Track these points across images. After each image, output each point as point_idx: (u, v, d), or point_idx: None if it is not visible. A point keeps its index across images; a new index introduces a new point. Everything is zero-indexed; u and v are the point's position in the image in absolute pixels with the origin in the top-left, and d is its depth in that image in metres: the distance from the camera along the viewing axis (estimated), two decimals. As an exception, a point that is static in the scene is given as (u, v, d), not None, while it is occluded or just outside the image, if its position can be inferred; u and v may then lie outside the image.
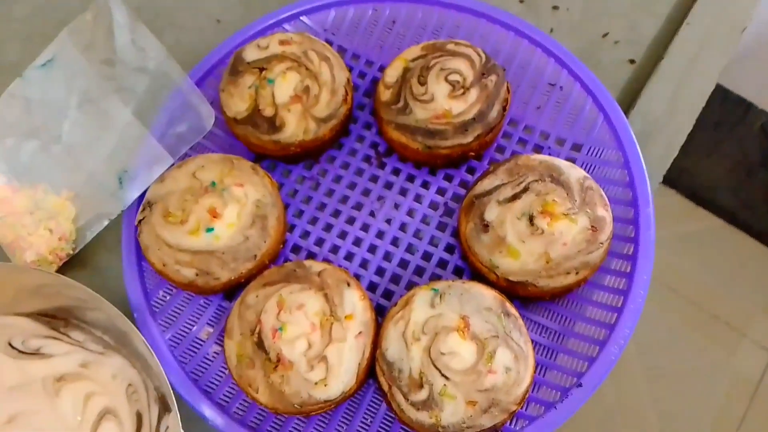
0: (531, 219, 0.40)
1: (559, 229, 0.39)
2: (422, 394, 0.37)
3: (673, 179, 1.29)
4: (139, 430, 0.40)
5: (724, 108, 1.35)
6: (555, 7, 0.53)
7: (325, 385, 0.37)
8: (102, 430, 0.40)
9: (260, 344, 0.38)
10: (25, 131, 0.47)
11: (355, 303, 0.39)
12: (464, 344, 0.37)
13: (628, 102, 0.50)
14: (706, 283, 1.21)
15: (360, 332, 0.38)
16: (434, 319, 0.38)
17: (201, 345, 0.42)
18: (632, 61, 0.51)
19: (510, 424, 0.39)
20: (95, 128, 0.46)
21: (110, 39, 0.47)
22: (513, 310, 0.39)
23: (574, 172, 0.41)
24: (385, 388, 0.38)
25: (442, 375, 0.36)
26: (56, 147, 0.46)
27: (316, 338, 0.38)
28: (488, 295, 0.39)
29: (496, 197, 0.41)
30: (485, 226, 0.41)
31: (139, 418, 0.40)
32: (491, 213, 0.41)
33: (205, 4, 0.54)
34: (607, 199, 0.41)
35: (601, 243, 0.39)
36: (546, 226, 0.39)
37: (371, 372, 0.39)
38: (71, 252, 0.44)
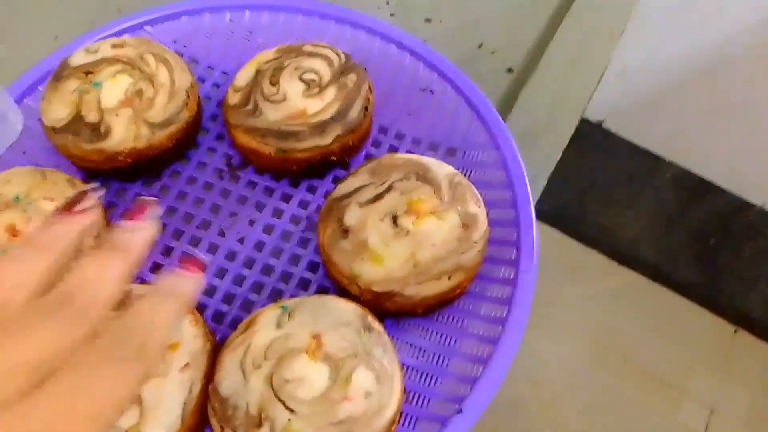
0: (395, 219, 0.34)
1: (426, 229, 0.34)
2: (261, 435, 0.29)
3: (594, 237, 1.29)
4: None
5: (634, 162, 1.37)
6: (427, 20, 0.51)
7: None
8: None
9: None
10: None
11: (183, 329, 0.32)
12: (314, 367, 0.30)
13: (509, 109, 0.47)
14: (638, 340, 1.18)
15: (187, 364, 0.31)
16: (280, 340, 0.31)
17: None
18: (510, 70, 0.49)
19: (380, 468, 0.31)
20: None
21: None
22: (376, 324, 0.32)
23: (442, 169, 0.36)
24: (217, 431, 0.30)
25: (287, 407, 0.29)
26: None
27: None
28: (347, 308, 0.32)
29: (357, 199, 0.35)
30: (345, 231, 0.35)
31: None
32: (352, 216, 0.35)
33: (44, 19, 0.48)
34: (479, 196, 0.36)
35: (475, 242, 0.34)
36: (412, 225, 0.34)
37: (205, 415, 0.31)
38: None
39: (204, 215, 0.40)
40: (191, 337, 0.32)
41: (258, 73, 0.40)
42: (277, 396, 0.29)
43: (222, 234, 0.39)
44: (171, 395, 0.30)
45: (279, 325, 0.32)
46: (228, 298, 0.37)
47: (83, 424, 0.17)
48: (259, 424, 0.29)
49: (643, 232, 1.32)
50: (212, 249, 0.39)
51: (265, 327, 0.32)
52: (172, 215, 0.40)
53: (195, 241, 0.39)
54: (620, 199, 1.33)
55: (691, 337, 1.18)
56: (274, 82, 0.39)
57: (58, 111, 0.38)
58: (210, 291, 0.37)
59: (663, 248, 1.30)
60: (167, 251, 0.38)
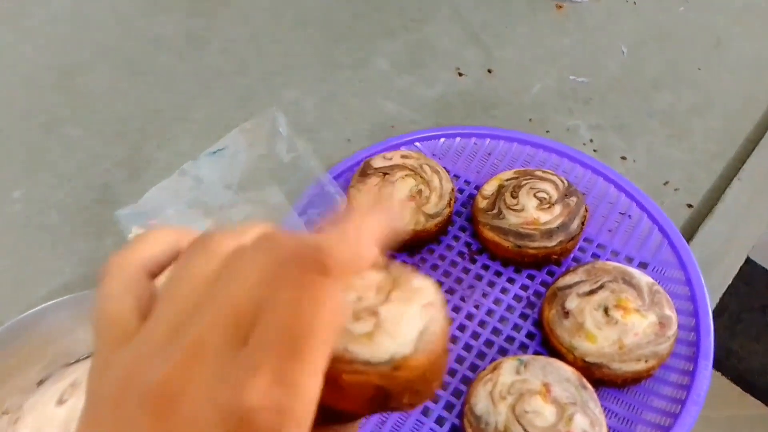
0: (606, 310, 0.47)
1: (631, 321, 0.46)
2: (507, 445, 0.41)
3: (721, 361, 1.30)
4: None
5: (771, 292, 1.38)
6: (623, 158, 0.64)
7: (371, 341, 0.26)
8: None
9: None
10: (189, 202, 0.58)
11: (426, 285, 0.35)
12: (546, 406, 0.42)
13: (687, 238, 0.58)
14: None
15: (429, 302, 0.26)
16: (519, 383, 0.44)
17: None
18: (690, 206, 0.60)
19: (582, 492, 0.42)
20: (249, 204, 0.57)
21: (271, 141, 0.59)
22: (589, 385, 0.44)
23: (644, 278, 0.49)
24: (473, 437, 0.43)
25: (525, 430, 0.41)
26: (215, 217, 0.57)
27: (369, 295, 0.26)
28: (568, 369, 0.45)
29: (576, 290, 0.48)
30: (566, 314, 0.48)
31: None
32: (572, 303, 0.48)
33: (340, 126, 0.67)
34: (672, 303, 0.48)
35: (668, 337, 0.46)
36: (620, 317, 0.46)
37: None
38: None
39: (450, 284, 0.54)
40: (434, 290, 0.29)
41: (501, 187, 0.55)
42: (518, 421, 0.42)
43: (463, 300, 0.53)
44: (409, 320, 0.26)
45: (518, 372, 0.45)
46: (467, 348, 0.51)
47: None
48: (505, 437, 0.42)
49: (770, 364, 1.31)
50: (455, 310, 0.53)
51: (508, 371, 0.45)
52: (428, 281, 0.54)
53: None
54: (752, 327, 1.34)
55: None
56: (515, 196, 0.54)
57: (364, 197, 0.55)
58: (454, 340, 0.51)
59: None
60: (424, 306, 0.53)
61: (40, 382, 0.48)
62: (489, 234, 0.54)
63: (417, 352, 0.24)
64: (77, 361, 0.50)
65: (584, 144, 0.65)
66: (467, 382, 0.49)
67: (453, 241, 0.57)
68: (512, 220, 0.53)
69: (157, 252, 0.22)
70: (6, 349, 0.48)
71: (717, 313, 0.52)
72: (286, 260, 0.18)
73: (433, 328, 0.25)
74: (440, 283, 0.54)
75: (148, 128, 0.67)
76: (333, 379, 0.22)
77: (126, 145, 0.66)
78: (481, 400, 0.44)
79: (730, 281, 0.55)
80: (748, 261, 0.56)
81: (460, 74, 0.71)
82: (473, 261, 0.56)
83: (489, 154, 0.62)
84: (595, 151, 0.65)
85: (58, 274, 0.57)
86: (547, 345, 0.49)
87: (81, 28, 0.77)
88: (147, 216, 0.57)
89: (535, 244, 0.52)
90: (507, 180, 0.56)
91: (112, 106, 0.69)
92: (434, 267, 0.56)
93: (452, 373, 0.49)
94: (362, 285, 0.26)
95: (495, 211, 0.54)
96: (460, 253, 0.56)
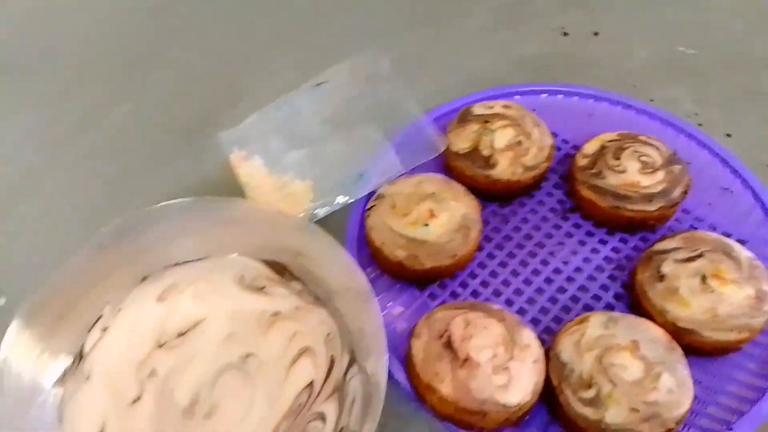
0: (703, 278, 0.46)
1: (727, 292, 0.45)
2: (590, 393, 0.42)
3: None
4: (330, 370, 0.46)
5: None
6: (728, 135, 0.62)
7: (506, 391, 0.41)
8: (299, 363, 0.47)
9: (448, 345, 0.43)
10: (287, 132, 0.59)
11: (531, 339, 0.44)
12: (633, 361, 0.42)
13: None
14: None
15: (536, 360, 0.43)
16: (607, 337, 0.44)
17: (393, 321, 0.50)
18: (799, 187, 0.58)
19: (659, 451, 0.42)
20: (347, 138, 0.58)
21: (371, 80, 0.60)
22: (678, 348, 0.44)
23: (743, 252, 0.47)
24: (555, 383, 0.43)
25: (611, 381, 0.42)
26: (311, 148, 0.58)
27: (500, 351, 0.43)
28: (657, 330, 0.44)
29: (674, 256, 0.48)
30: (661, 277, 0.47)
31: (332, 361, 0.47)
32: (667, 267, 0.47)
33: (437, 77, 0.67)
34: (772, 279, 0.46)
35: (765, 311, 0.45)
36: (716, 286, 0.45)
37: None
38: (305, 222, 0.55)
39: (539, 238, 0.54)
40: (537, 345, 0.44)
41: (603, 147, 0.55)
42: (604, 371, 0.42)
43: (552, 254, 0.53)
44: (528, 376, 0.43)
45: (606, 327, 0.45)
46: (552, 300, 0.51)
47: None
48: (589, 386, 0.42)
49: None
50: (543, 263, 0.53)
51: (596, 325, 0.45)
52: (517, 232, 0.55)
53: (532, 254, 0.53)
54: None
55: None
56: (617, 157, 0.53)
57: (461, 143, 0.55)
58: (540, 292, 0.51)
59: None
60: (511, 255, 0.53)
61: (143, 279, 0.51)
62: (586, 192, 0.53)
63: (532, 398, 0.43)
64: (176, 265, 0.53)
65: (688, 117, 0.63)
66: (550, 333, 0.49)
67: (546, 197, 0.57)
68: (612, 180, 0.52)
69: None
70: (111, 246, 0.50)
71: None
72: None
73: (541, 379, 0.43)
74: (530, 236, 0.54)
75: (248, 59, 0.69)
76: (483, 413, 0.42)
77: (228, 73, 0.68)
78: (566, 348, 0.44)
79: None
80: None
81: (565, 34, 0.70)
82: (565, 219, 0.55)
83: (590, 115, 0.61)
84: (700, 125, 0.63)
85: (160, 185, 0.60)
86: (636, 309, 0.49)
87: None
88: (247, 141, 0.59)
89: (634, 207, 0.51)
90: (609, 141, 0.55)
91: (217, 36, 0.71)
92: (524, 220, 0.55)
93: (536, 322, 0.50)
94: (492, 341, 0.43)
95: (595, 171, 0.53)
96: (552, 209, 0.56)
